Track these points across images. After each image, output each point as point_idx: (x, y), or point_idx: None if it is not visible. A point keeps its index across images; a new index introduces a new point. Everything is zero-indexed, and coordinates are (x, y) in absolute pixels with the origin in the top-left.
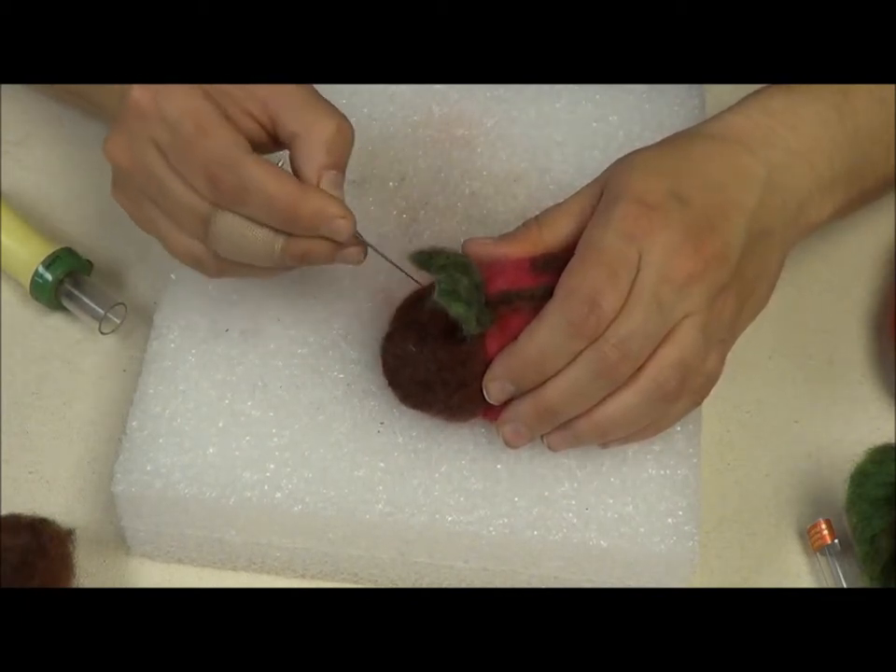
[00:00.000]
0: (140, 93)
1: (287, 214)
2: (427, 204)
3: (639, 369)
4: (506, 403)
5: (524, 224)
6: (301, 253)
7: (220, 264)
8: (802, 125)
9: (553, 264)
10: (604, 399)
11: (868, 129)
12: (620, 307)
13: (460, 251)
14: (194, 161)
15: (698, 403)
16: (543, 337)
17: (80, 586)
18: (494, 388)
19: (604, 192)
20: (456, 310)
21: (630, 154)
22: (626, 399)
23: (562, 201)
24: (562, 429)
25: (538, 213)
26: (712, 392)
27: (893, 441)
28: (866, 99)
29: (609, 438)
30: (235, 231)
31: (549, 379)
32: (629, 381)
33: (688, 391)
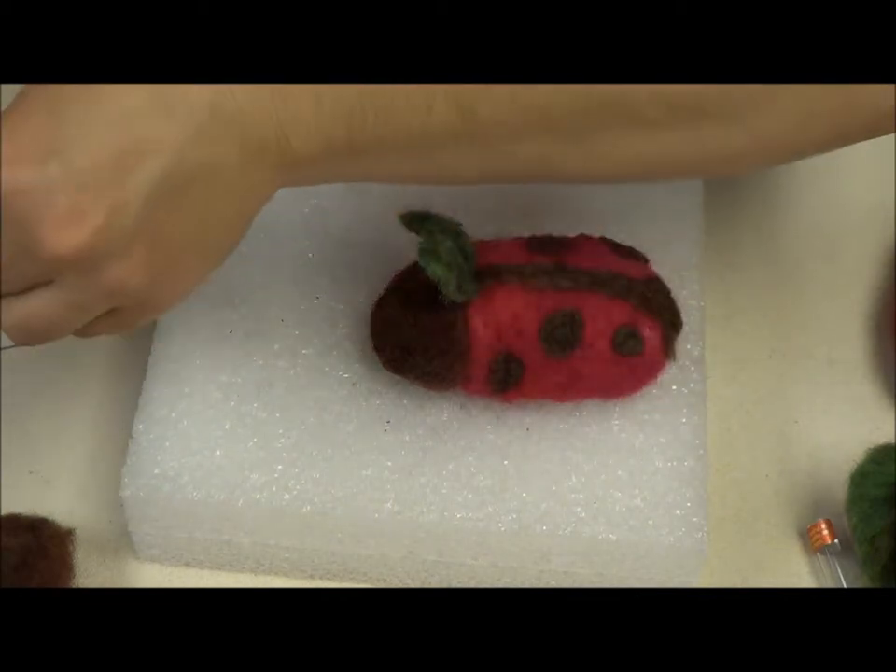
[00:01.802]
0: None
1: None
2: (428, 203)
3: None
4: (489, 379)
5: None
6: None
7: None
8: None
9: (549, 247)
10: None
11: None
12: None
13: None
14: None
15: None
16: None
17: (80, 586)
18: None
19: None
20: (434, 270)
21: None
22: None
23: None
24: None
25: (538, 207)
26: (712, 392)
27: (893, 441)
28: None
29: None
30: None
31: None
32: None
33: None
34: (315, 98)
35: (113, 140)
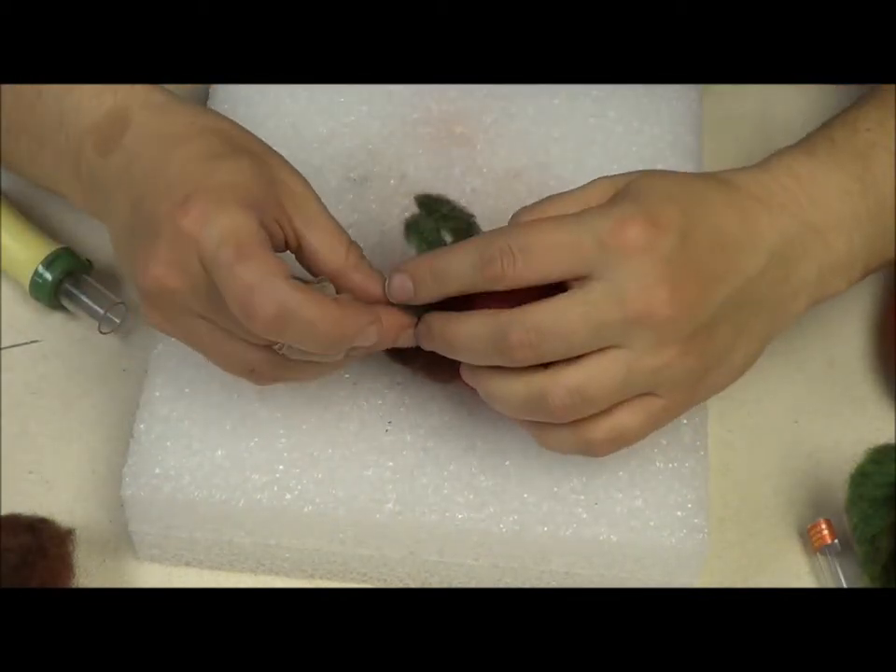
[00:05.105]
0: (183, 214)
1: (330, 338)
2: None
3: (544, 366)
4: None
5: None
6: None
7: (276, 371)
8: (824, 198)
9: None
10: (496, 372)
11: (889, 199)
12: (534, 279)
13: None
14: (232, 289)
15: (587, 449)
16: (454, 252)
17: (80, 586)
18: (395, 280)
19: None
20: (410, 243)
21: (655, 172)
22: (512, 386)
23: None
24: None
25: None
26: None
27: (893, 441)
28: (885, 165)
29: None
30: None
31: (461, 316)
32: (526, 370)
33: (580, 426)
34: (847, 241)
35: (718, 252)
